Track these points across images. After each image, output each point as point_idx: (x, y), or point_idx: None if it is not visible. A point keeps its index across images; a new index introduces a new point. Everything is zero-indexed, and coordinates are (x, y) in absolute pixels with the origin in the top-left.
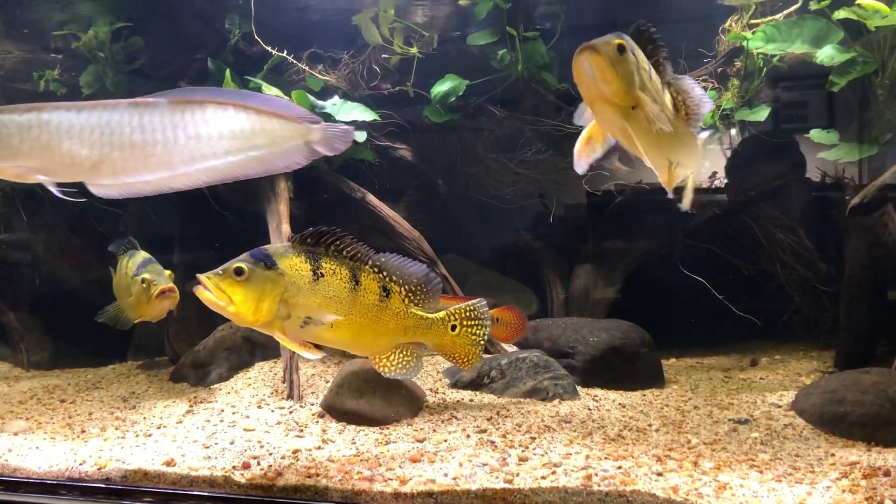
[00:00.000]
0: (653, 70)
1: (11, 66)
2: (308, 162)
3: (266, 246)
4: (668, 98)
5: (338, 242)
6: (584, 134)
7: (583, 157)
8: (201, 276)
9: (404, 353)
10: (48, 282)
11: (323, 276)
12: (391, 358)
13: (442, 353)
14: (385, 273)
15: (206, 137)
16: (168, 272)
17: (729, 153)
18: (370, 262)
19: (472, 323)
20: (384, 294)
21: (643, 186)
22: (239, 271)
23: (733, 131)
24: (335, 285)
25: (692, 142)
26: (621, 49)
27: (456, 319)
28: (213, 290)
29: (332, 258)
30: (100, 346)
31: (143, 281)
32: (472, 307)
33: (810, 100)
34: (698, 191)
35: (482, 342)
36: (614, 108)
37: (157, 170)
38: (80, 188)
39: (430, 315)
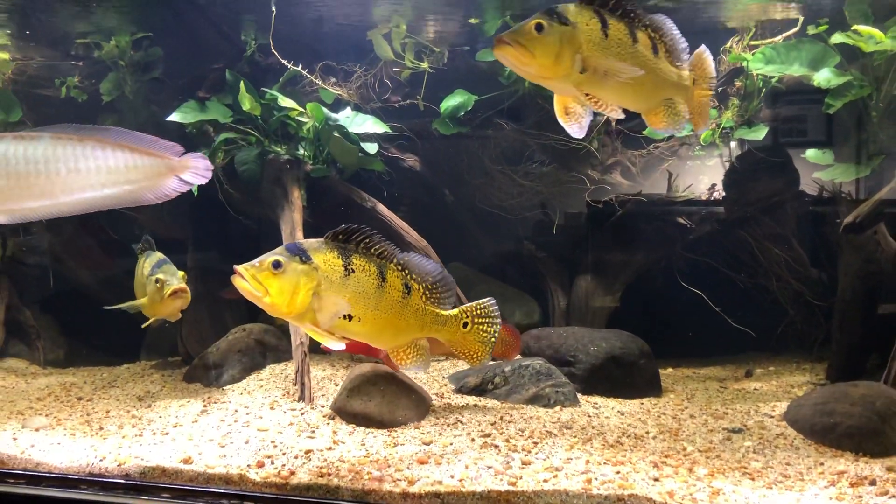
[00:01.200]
0: (613, 23)
1: (34, 72)
2: (177, 193)
3: (301, 241)
4: (645, 41)
5: (367, 240)
6: (556, 108)
7: (573, 126)
8: (239, 268)
9: (418, 347)
10: (63, 282)
11: (353, 271)
12: (407, 352)
13: (453, 349)
14: (407, 271)
15: (86, 171)
16: (181, 273)
17: (728, 167)
18: (395, 261)
19: (483, 321)
20: (406, 291)
21: (641, 199)
22: (276, 264)
23: (733, 144)
24: (364, 281)
25: (678, 77)
26: (539, 27)
27: (468, 317)
28: (250, 281)
29: (362, 255)
30: (113, 346)
31: (156, 280)
32: (482, 305)
33: (809, 115)
34: (696, 203)
35: (492, 339)
36: (557, 81)
37: (40, 198)
38: None
39: (445, 312)
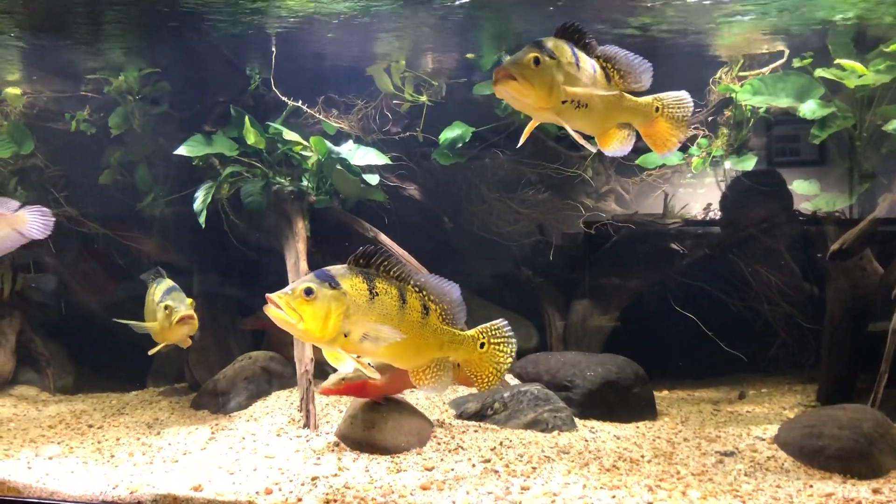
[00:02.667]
0: (581, 55)
1: (44, 105)
2: (18, 245)
3: (327, 268)
4: (600, 71)
5: (386, 263)
6: (529, 127)
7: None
8: (273, 296)
9: (437, 367)
10: (71, 309)
11: (377, 294)
12: (426, 373)
13: (468, 370)
14: (424, 292)
15: None
16: (189, 301)
17: (723, 186)
18: (412, 282)
19: (499, 341)
20: (424, 312)
21: (637, 222)
22: (308, 291)
23: (728, 164)
24: (387, 303)
25: (633, 103)
26: (536, 61)
27: (484, 337)
28: (285, 309)
29: (383, 278)
30: (120, 372)
31: (165, 307)
32: (497, 326)
33: (801, 134)
34: (691, 223)
35: (508, 361)
36: (545, 111)
37: None
38: (103, 224)
39: (462, 332)
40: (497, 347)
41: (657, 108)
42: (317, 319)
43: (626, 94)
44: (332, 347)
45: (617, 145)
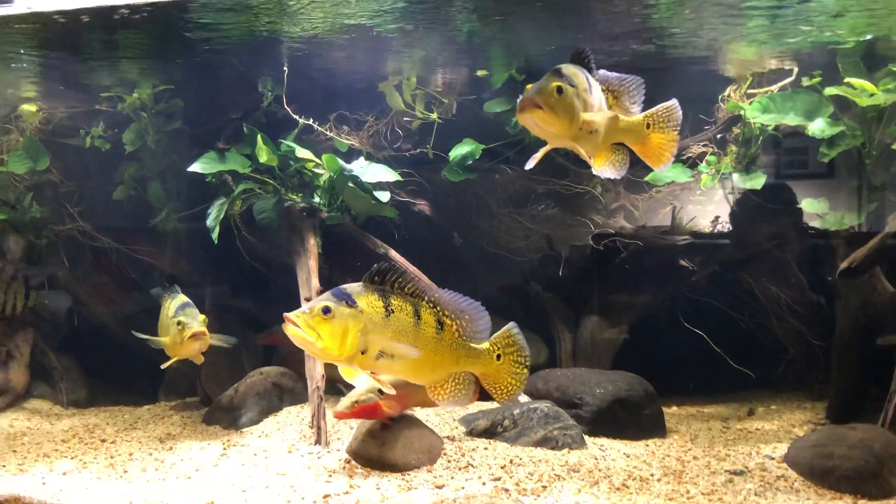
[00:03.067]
0: (593, 81)
1: (59, 122)
2: None
3: (344, 286)
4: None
5: (400, 280)
6: (542, 152)
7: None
8: (291, 315)
9: (456, 382)
10: (84, 324)
11: (393, 312)
12: (444, 387)
13: (486, 383)
14: (439, 308)
15: None
16: (202, 317)
17: (731, 199)
18: (426, 298)
19: (513, 349)
20: (440, 327)
21: (646, 237)
22: (326, 310)
23: (736, 176)
24: (403, 320)
25: (626, 123)
26: (559, 90)
27: (499, 348)
28: (304, 328)
29: (398, 295)
30: (132, 386)
31: (178, 323)
32: (507, 334)
33: (811, 147)
34: (702, 238)
35: (526, 369)
36: (564, 138)
37: None
38: (117, 239)
39: (477, 346)
40: (512, 357)
41: (648, 125)
42: (335, 338)
43: (620, 115)
44: (350, 365)
45: (611, 167)
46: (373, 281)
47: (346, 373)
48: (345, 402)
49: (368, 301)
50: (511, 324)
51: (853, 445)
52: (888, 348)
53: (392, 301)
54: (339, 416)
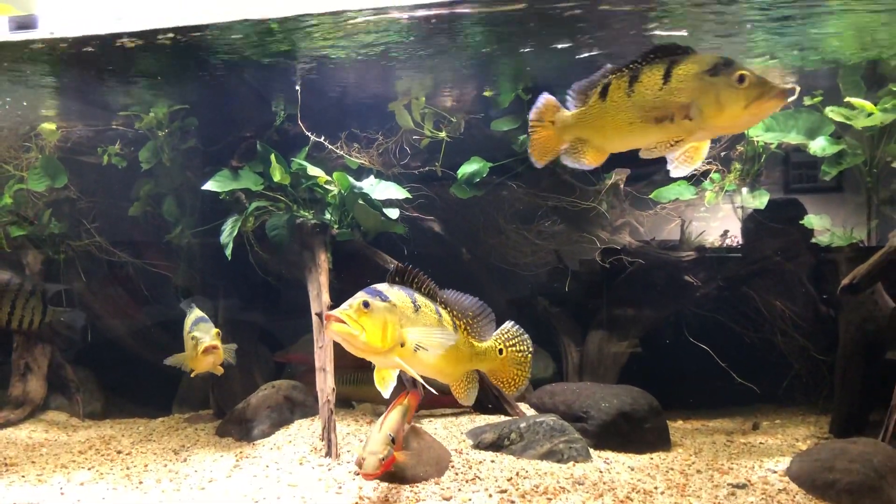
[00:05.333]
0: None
1: (77, 140)
2: None
3: (373, 285)
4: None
5: (417, 280)
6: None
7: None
8: (334, 312)
9: (469, 380)
10: (99, 336)
11: (420, 307)
12: (463, 385)
13: (495, 379)
14: (449, 308)
15: None
16: (215, 331)
17: (740, 213)
18: (439, 298)
19: (514, 342)
20: (454, 326)
21: (641, 261)
22: (366, 304)
23: (745, 190)
24: (429, 316)
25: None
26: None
27: (501, 343)
28: (349, 322)
29: (419, 293)
30: (147, 398)
31: (192, 338)
32: (506, 330)
33: (819, 161)
34: (708, 253)
35: (529, 361)
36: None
37: None
38: (132, 254)
39: (482, 344)
40: (515, 349)
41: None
42: (376, 330)
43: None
44: (390, 359)
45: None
46: (394, 281)
47: (379, 377)
48: (371, 462)
49: (398, 296)
50: (509, 322)
51: (854, 459)
52: (891, 363)
53: (417, 298)
54: (371, 477)
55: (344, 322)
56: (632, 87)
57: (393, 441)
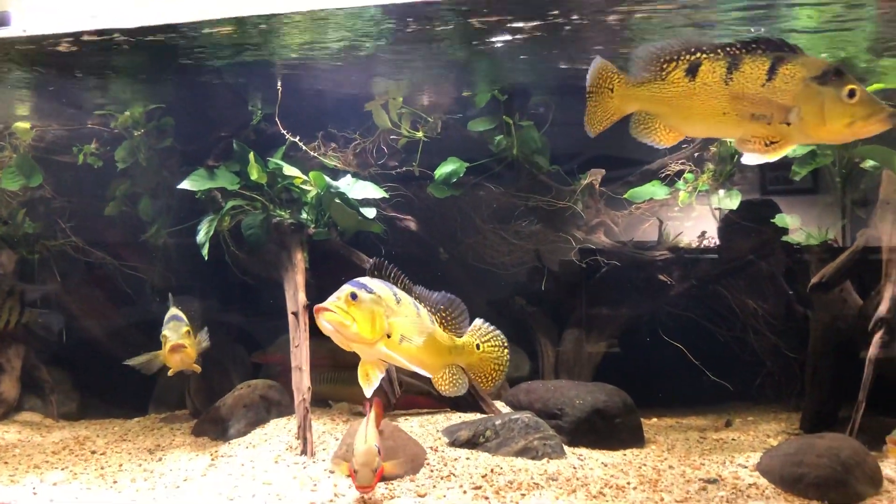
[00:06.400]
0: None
1: (52, 139)
2: None
3: (356, 278)
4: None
5: (394, 275)
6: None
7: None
8: (325, 304)
9: (452, 372)
10: (74, 337)
11: (400, 300)
12: (445, 378)
13: (472, 373)
14: (423, 302)
15: None
16: (184, 329)
17: (717, 214)
18: (413, 293)
19: (489, 337)
20: (430, 319)
21: (616, 262)
22: (353, 296)
23: (721, 192)
24: (409, 308)
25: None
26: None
27: (477, 338)
28: (339, 313)
29: (397, 286)
30: (122, 399)
31: (162, 336)
32: (478, 326)
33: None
34: (681, 254)
35: (506, 357)
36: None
37: None
38: (110, 252)
39: (460, 339)
40: (490, 344)
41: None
42: (366, 321)
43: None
44: (377, 350)
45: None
46: (373, 275)
47: (363, 371)
48: (365, 475)
49: (381, 288)
50: (478, 318)
51: (821, 454)
52: (859, 361)
53: (396, 290)
54: (368, 489)
55: (335, 313)
56: (730, 75)
57: (379, 452)
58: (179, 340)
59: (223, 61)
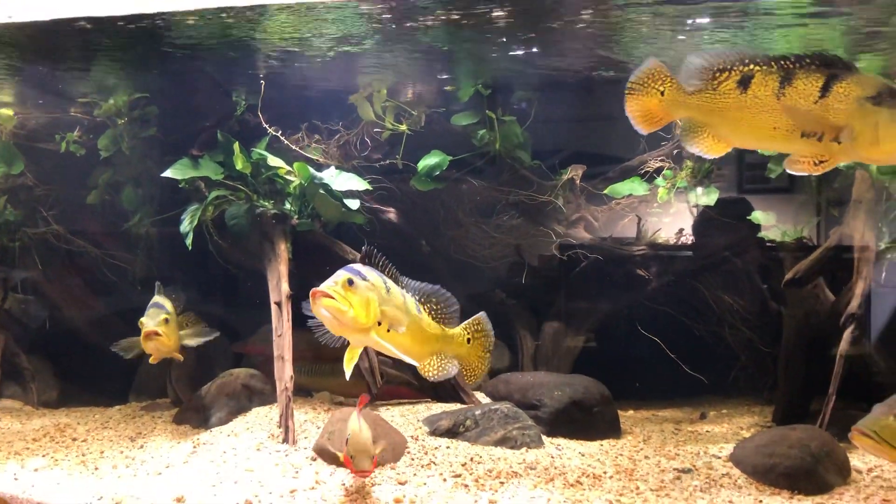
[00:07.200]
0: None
1: (33, 126)
2: None
3: (350, 265)
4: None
5: (382, 264)
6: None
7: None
8: (322, 288)
9: (440, 360)
10: (56, 325)
11: (390, 289)
12: (431, 365)
13: (461, 363)
14: (411, 292)
15: None
16: (162, 317)
17: (695, 212)
18: (400, 283)
19: (481, 334)
20: (417, 309)
21: (597, 256)
22: (350, 282)
23: (700, 190)
24: (398, 297)
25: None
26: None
27: (469, 333)
28: (338, 298)
29: (387, 276)
30: (103, 387)
31: (140, 323)
32: (477, 321)
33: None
34: (658, 249)
35: (489, 353)
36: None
37: None
38: (91, 241)
39: (451, 330)
40: (480, 342)
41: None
42: (362, 307)
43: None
44: (368, 337)
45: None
46: (363, 262)
47: (349, 356)
48: (363, 461)
49: (374, 277)
50: (481, 313)
51: (792, 445)
52: (831, 355)
53: (386, 279)
54: (367, 474)
55: (333, 298)
56: (782, 89)
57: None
58: (154, 328)
59: (205, 50)
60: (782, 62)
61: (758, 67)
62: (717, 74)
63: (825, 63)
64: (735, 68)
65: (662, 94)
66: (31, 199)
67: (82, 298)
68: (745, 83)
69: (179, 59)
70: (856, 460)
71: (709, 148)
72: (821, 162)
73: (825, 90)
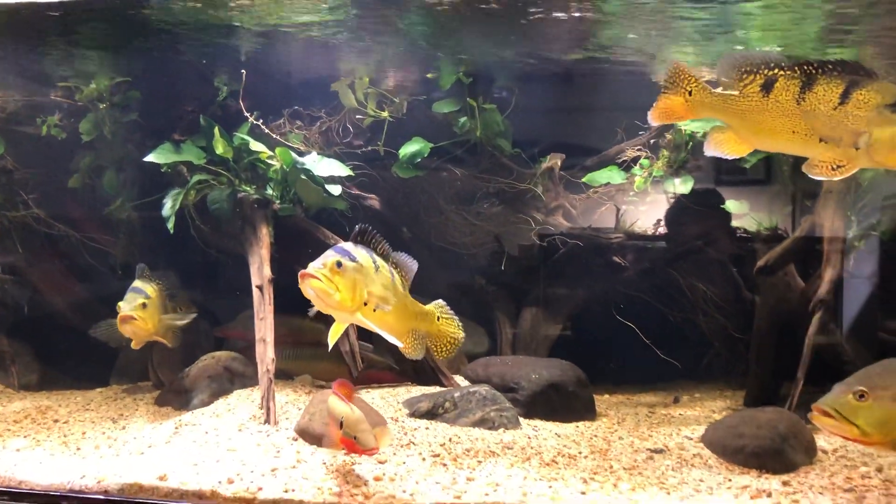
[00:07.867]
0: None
1: (13, 109)
2: None
3: (340, 244)
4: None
5: (374, 241)
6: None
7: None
8: (310, 270)
9: (416, 337)
10: (36, 308)
11: (379, 268)
12: (411, 342)
13: (431, 340)
14: (398, 268)
15: None
16: (140, 301)
17: (669, 199)
18: (391, 259)
19: (448, 315)
20: (403, 286)
21: (577, 242)
22: (339, 264)
23: (677, 180)
24: (386, 275)
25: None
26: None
27: (439, 311)
28: (325, 281)
29: (377, 254)
30: (84, 371)
31: (117, 307)
32: (441, 304)
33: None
34: (634, 238)
35: (461, 334)
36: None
37: None
38: (72, 225)
39: (424, 307)
40: (447, 321)
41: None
42: (348, 290)
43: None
44: (354, 317)
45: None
46: (356, 241)
47: (335, 330)
48: (367, 439)
49: (363, 256)
50: (439, 299)
51: (761, 426)
52: (800, 340)
53: (375, 258)
54: (373, 451)
55: (321, 281)
56: (803, 94)
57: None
58: (129, 312)
59: (189, 35)
60: (805, 67)
61: (781, 72)
62: (744, 76)
63: (847, 70)
64: (761, 71)
65: (690, 93)
66: (12, 182)
67: (63, 282)
68: (767, 87)
69: (161, 42)
70: (822, 441)
71: (731, 149)
72: (839, 167)
73: (845, 97)
